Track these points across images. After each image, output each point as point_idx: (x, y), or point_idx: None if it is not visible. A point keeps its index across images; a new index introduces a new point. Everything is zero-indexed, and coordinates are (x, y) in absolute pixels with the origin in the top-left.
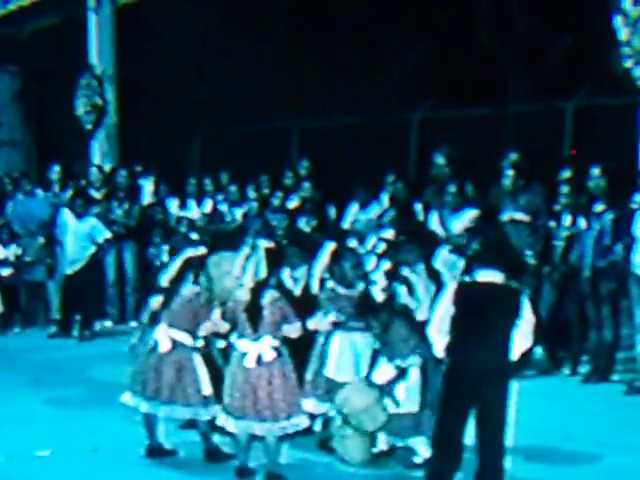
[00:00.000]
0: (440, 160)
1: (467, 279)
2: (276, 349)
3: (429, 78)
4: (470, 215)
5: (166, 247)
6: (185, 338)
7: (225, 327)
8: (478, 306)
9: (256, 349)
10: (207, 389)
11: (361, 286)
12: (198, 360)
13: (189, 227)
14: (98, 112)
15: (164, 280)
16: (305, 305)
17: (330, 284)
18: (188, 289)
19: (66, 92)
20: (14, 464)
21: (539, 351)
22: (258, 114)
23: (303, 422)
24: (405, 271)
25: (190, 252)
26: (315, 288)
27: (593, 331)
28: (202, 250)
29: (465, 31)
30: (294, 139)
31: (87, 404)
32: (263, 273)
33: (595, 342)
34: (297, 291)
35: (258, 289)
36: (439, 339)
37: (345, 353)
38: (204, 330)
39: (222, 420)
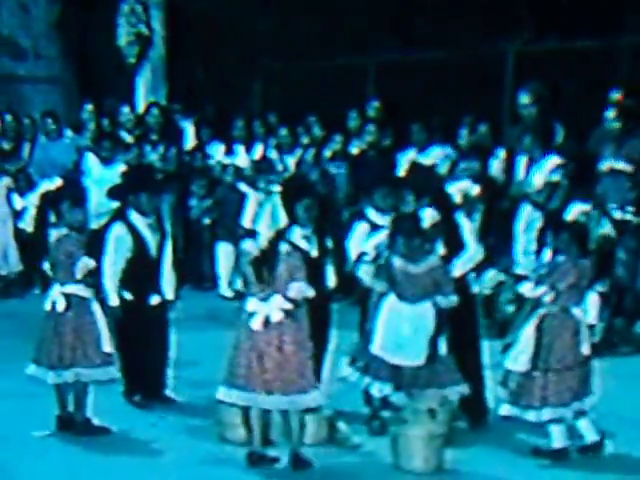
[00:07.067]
0: (525, 99)
1: None
2: (289, 312)
3: (528, 3)
4: (551, 164)
5: (209, 201)
6: (80, 290)
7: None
8: None
9: (265, 310)
10: (107, 346)
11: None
12: (98, 313)
13: (236, 176)
14: (143, 43)
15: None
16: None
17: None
18: (56, 234)
19: (112, 20)
20: (8, 444)
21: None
22: (329, 48)
23: (317, 399)
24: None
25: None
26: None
27: None
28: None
29: None
30: (370, 76)
31: None
32: (281, 221)
33: None
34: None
35: (275, 240)
36: None
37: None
38: (79, 271)
39: (222, 393)
